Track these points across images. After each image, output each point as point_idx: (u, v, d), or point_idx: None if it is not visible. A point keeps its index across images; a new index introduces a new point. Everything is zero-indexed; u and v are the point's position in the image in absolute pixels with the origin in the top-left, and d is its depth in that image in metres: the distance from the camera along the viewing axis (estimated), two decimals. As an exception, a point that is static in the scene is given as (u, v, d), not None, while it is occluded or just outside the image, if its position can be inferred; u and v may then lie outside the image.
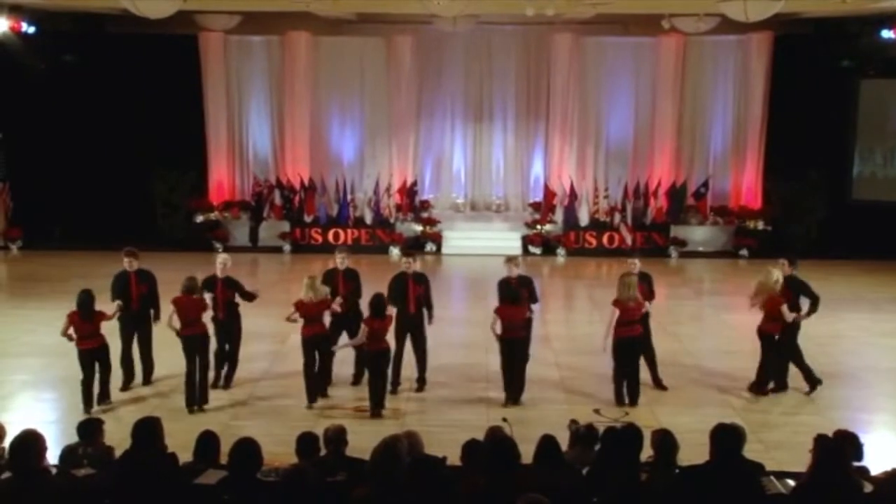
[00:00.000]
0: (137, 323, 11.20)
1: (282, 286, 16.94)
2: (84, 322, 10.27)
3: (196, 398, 10.36)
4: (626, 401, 10.54)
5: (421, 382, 11.15)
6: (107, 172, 21.15)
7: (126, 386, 11.14)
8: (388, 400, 10.45)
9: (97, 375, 10.43)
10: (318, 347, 10.59)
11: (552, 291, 17.94)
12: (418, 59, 22.26)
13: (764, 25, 17.76)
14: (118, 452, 6.50)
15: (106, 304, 10.83)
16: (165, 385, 11.19)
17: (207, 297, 10.81)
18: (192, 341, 10.37)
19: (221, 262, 11.20)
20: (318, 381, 10.67)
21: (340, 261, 11.29)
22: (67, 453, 7.07)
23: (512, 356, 10.54)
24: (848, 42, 20.81)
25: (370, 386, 10.28)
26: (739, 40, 21.66)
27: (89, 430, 7.40)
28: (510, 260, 11.17)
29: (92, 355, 10.35)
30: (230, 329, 11.21)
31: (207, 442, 6.76)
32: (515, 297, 10.55)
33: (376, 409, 10.18)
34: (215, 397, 10.73)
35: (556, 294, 18.05)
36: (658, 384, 11.22)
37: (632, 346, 10.49)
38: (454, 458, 6.44)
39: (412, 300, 10.99)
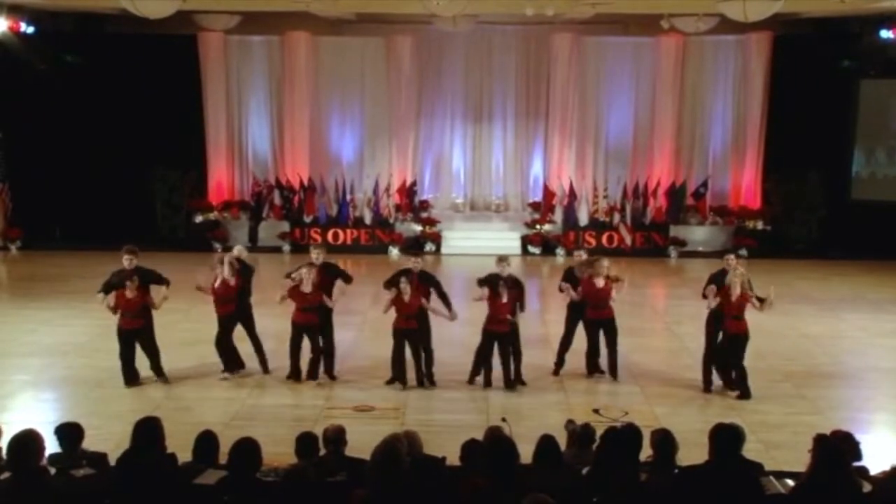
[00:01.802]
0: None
1: (281, 286, 16.90)
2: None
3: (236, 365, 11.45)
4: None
5: (421, 380, 11.20)
6: (106, 173, 21.15)
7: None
8: (385, 399, 10.59)
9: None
10: (308, 334, 11.12)
11: (552, 291, 17.84)
12: (418, 59, 22.27)
13: (763, 25, 17.76)
14: (117, 452, 6.47)
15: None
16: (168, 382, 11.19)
17: None
18: (227, 319, 11.30)
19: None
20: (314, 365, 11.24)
21: (316, 256, 11.47)
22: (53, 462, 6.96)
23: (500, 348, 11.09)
24: (847, 42, 20.84)
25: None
26: (739, 40, 21.67)
27: (70, 434, 7.02)
28: (502, 259, 11.38)
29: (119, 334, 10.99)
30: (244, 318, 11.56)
31: (207, 442, 6.75)
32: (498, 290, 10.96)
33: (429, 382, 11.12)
34: (212, 398, 10.75)
35: (556, 294, 17.96)
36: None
37: (598, 325, 11.41)
38: (453, 458, 6.44)
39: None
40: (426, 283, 11.27)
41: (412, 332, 11.03)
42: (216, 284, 11.22)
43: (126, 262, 11.07)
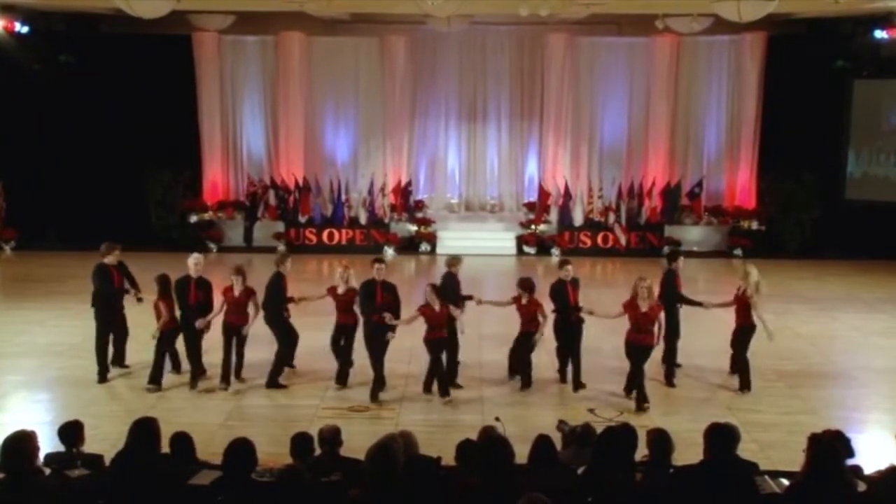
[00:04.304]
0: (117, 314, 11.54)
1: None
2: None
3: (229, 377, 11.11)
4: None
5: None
6: (101, 173, 21.11)
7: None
8: (380, 400, 10.62)
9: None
10: (347, 335, 11.14)
11: (548, 291, 17.90)
12: (412, 60, 22.26)
13: (757, 25, 17.79)
14: (112, 452, 6.45)
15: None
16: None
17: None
18: (230, 329, 11.02)
19: (194, 262, 11.09)
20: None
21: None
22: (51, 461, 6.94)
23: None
24: (841, 42, 20.87)
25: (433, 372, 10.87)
26: (733, 40, 21.71)
27: (71, 433, 7.01)
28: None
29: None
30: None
31: (180, 442, 6.79)
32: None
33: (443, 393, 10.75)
34: (206, 399, 10.74)
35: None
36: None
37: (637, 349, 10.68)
38: (448, 458, 6.44)
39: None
40: (388, 292, 10.98)
41: (443, 341, 10.86)
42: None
43: (114, 258, 11.37)
